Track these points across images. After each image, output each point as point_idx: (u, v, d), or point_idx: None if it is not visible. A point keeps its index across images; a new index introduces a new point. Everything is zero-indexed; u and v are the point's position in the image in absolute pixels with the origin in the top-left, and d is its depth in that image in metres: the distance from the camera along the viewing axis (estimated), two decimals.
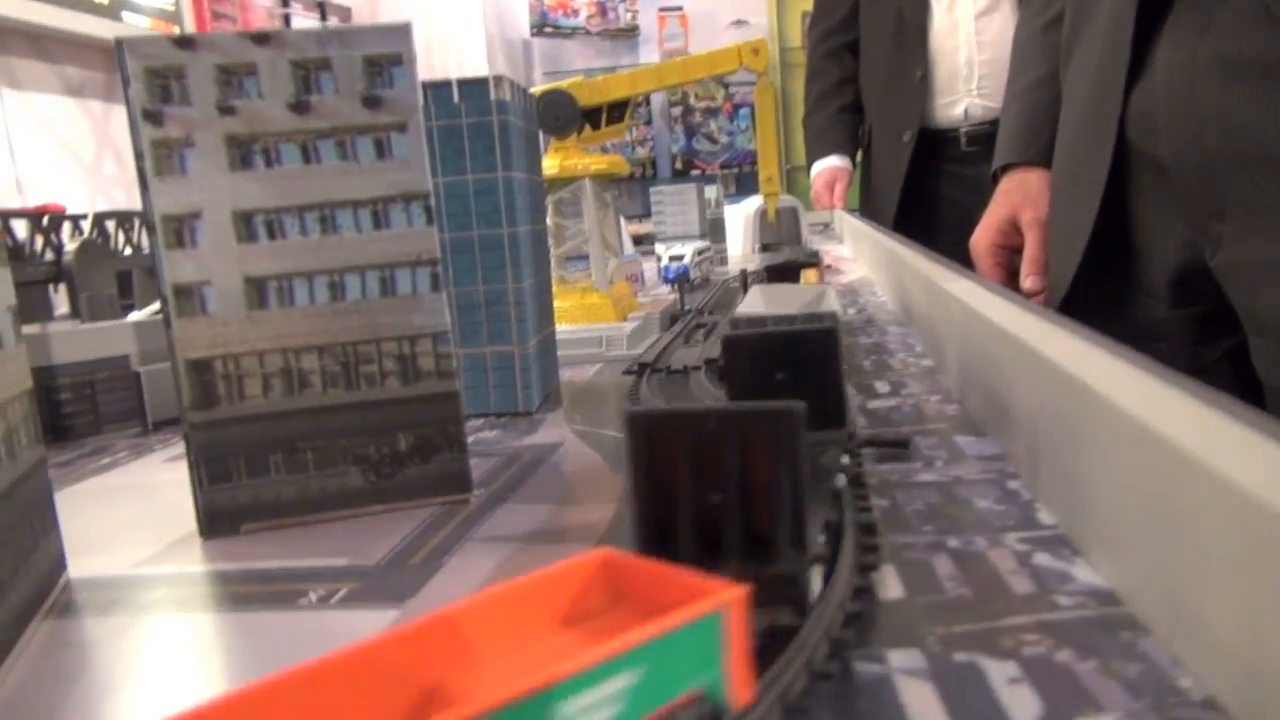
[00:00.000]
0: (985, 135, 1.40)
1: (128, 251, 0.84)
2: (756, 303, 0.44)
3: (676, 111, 3.76)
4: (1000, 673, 0.21)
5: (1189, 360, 0.67)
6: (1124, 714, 0.19)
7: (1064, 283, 0.75)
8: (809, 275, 0.82)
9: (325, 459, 0.37)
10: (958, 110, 1.47)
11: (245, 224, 0.36)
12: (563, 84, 0.77)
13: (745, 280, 0.89)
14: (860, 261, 1.28)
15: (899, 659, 0.22)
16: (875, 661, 0.22)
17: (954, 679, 0.21)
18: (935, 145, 1.48)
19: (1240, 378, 0.64)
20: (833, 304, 0.41)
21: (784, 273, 0.82)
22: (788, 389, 0.33)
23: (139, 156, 0.35)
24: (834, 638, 0.23)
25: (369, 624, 0.27)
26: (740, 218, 1.58)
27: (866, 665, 0.22)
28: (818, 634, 0.23)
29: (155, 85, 0.35)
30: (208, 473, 0.36)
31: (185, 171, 0.35)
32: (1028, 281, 0.80)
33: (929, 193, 1.49)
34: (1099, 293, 0.72)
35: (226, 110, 0.35)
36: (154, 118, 0.35)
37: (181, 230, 0.35)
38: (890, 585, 0.27)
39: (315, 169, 0.36)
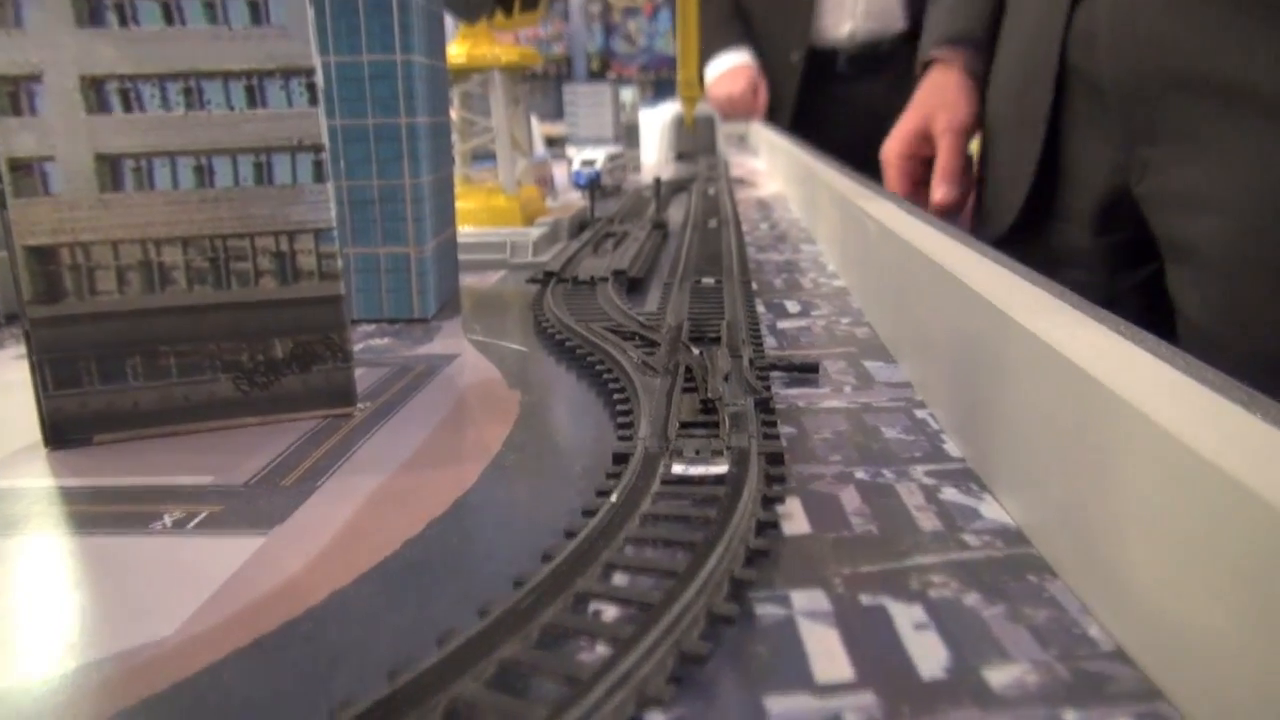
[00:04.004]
0: (866, 58, 1.40)
1: None
2: None
3: (595, 9, 3.62)
4: (907, 617, 0.20)
5: (1103, 288, 0.68)
6: (1032, 664, 0.18)
7: (1011, 210, 0.73)
8: None
9: (191, 364, 0.33)
10: (843, 30, 1.45)
11: (96, 91, 0.31)
12: None
13: (658, 189, 0.87)
14: (775, 176, 1.26)
15: (803, 601, 0.21)
16: (778, 603, 0.21)
17: (859, 623, 0.20)
18: (819, 66, 1.47)
19: (1148, 308, 0.65)
20: None
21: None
22: None
23: None
24: (735, 576, 0.22)
25: (229, 553, 0.24)
26: (656, 124, 1.53)
27: (768, 607, 0.21)
28: (719, 572, 0.22)
29: None
30: (53, 375, 0.32)
31: (21, 24, 0.30)
32: (939, 192, 0.76)
33: (816, 114, 1.48)
34: (1021, 217, 0.72)
35: None
36: None
37: (18, 94, 0.31)
38: (796, 520, 0.25)
39: (179, 31, 0.31)
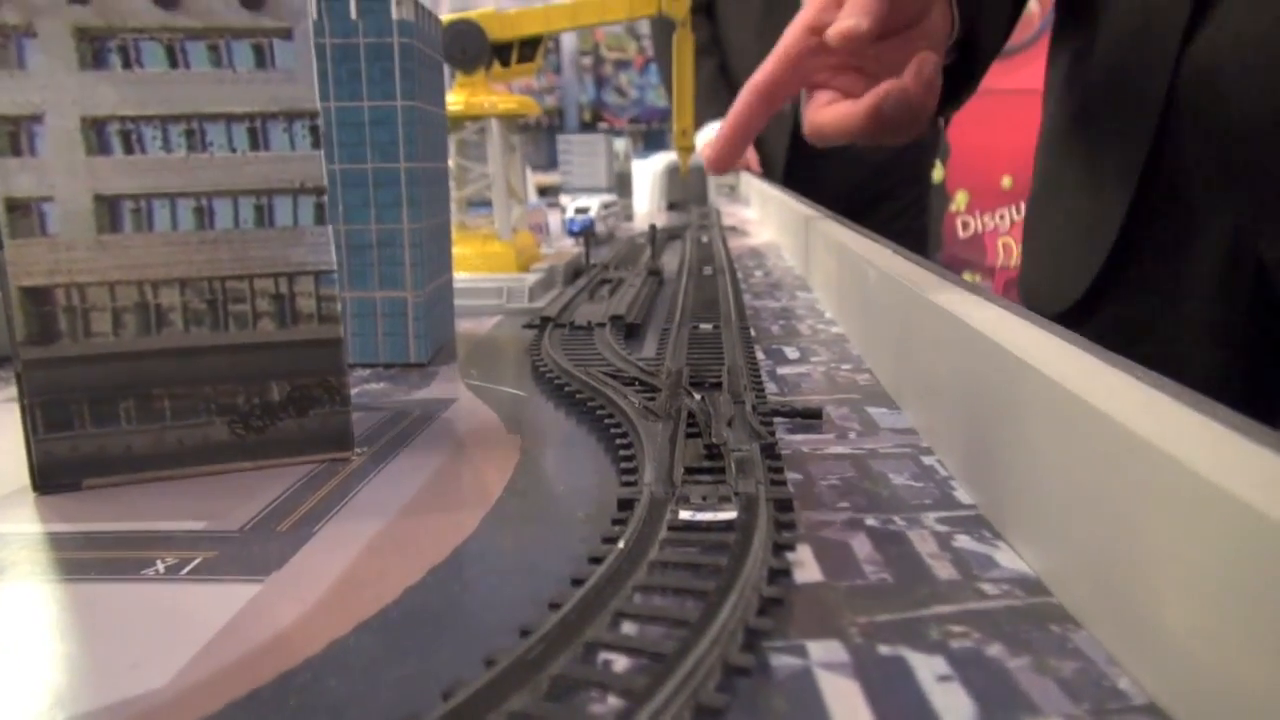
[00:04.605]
0: None
1: None
2: None
3: (587, 61, 3.68)
4: (929, 668, 0.20)
5: (1197, 364, 0.58)
6: (1064, 719, 0.18)
7: (1082, 280, 0.62)
8: None
9: (186, 407, 0.32)
10: None
11: (96, 133, 0.31)
12: (472, 14, 0.72)
13: (653, 236, 0.87)
14: (767, 225, 1.27)
15: (819, 651, 0.21)
16: (794, 654, 0.21)
17: (880, 674, 0.20)
18: None
19: (1246, 393, 0.57)
20: None
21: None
22: None
23: None
24: (750, 626, 0.21)
25: (224, 601, 0.23)
26: (648, 173, 1.55)
27: (784, 658, 0.20)
28: (733, 621, 0.21)
29: None
30: (44, 418, 0.31)
31: (24, 65, 0.30)
32: (847, 21, 0.46)
33: (808, 166, 1.50)
34: (1093, 287, 0.62)
35: None
36: None
37: (18, 134, 0.30)
38: (808, 567, 0.25)
39: (182, 75, 0.31)
